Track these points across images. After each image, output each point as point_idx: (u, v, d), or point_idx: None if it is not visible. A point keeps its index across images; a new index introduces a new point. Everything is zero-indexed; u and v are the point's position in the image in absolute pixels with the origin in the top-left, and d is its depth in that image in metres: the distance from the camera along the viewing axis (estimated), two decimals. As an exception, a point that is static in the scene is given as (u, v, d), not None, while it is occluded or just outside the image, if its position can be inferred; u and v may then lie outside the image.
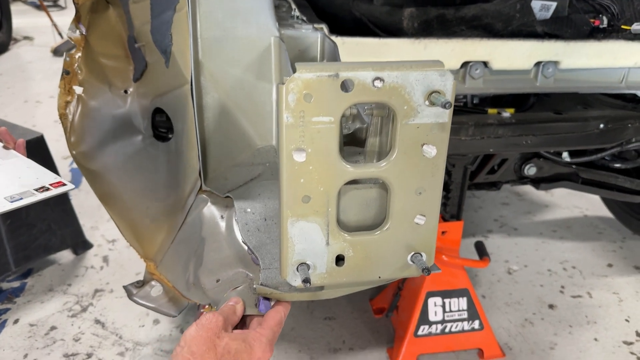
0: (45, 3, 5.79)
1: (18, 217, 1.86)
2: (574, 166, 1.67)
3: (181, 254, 0.98)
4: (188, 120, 1.00)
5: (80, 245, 2.13)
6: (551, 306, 1.92)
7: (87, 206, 2.45)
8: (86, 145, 1.11)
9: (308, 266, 0.71)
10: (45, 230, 1.95)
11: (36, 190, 0.96)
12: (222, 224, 0.94)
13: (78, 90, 1.11)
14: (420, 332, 1.63)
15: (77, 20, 1.10)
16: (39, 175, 1.01)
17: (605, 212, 2.43)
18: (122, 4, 1.11)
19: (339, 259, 0.72)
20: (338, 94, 0.62)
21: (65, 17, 6.19)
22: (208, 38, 0.97)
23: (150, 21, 1.04)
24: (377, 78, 0.62)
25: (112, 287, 1.96)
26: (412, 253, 0.74)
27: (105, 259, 2.11)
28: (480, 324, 1.67)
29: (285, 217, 0.68)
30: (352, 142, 0.83)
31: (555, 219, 2.50)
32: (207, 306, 0.88)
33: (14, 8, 6.57)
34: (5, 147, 1.05)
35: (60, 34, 5.40)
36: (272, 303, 0.78)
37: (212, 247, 0.91)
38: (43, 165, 1.03)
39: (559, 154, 1.62)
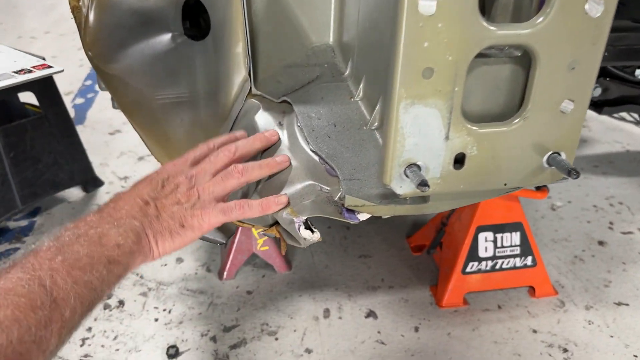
0: None
1: (22, 150, 1.69)
2: (644, 86, 1.50)
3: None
4: (232, 6, 0.81)
5: (91, 182, 1.96)
6: (601, 243, 1.79)
7: (94, 142, 2.28)
8: (104, 44, 0.92)
9: (419, 167, 0.54)
10: (51, 165, 1.78)
11: (16, 72, 0.80)
12: (282, 132, 0.77)
13: (92, -23, 0.91)
14: (468, 269, 1.50)
15: None
16: (17, 58, 0.84)
17: (648, 146, 2.27)
18: None
19: (457, 160, 0.56)
20: None
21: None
22: None
23: None
24: None
25: (128, 226, 1.81)
26: (550, 152, 0.57)
27: (118, 197, 1.95)
28: (534, 260, 1.54)
29: (397, 98, 0.51)
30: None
31: (596, 154, 2.34)
32: (268, 228, 0.73)
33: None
34: None
35: (50, -33, 5.03)
36: (361, 217, 0.63)
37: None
38: None
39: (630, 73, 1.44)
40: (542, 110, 0.54)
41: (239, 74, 0.82)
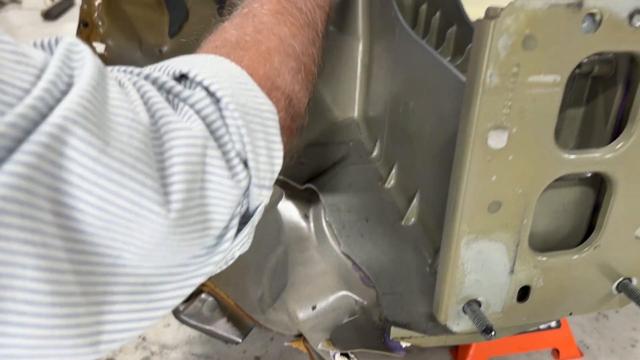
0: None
1: None
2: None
3: (248, 263, 0.75)
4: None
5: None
6: (624, 296, 1.72)
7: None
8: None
9: (479, 304, 0.48)
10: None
11: None
12: (309, 227, 0.70)
13: (99, 48, 0.85)
14: (490, 332, 1.43)
15: (94, -45, 0.84)
16: None
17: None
18: None
19: (521, 293, 0.49)
20: (575, 36, 0.38)
21: (55, -21, 5.79)
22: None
23: (196, -48, 0.78)
24: (638, 11, 0.38)
25: (130, 279, 1.73)
26: (620, 279, 0.51)
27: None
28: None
29: (458, 234, 0.44)
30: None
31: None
32: (294, 341, 0.66)
33: (-1, -31, 6.16)
34: None
35: (50, -3, 5.02)
36: (405, 345, 0.55)
37: (299, 259, 0.68)
38: None
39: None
40: (616, 237, 0.48)
41: (259, 157, 0.76)
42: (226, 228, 0.36)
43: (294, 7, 0.52)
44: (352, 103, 0.85)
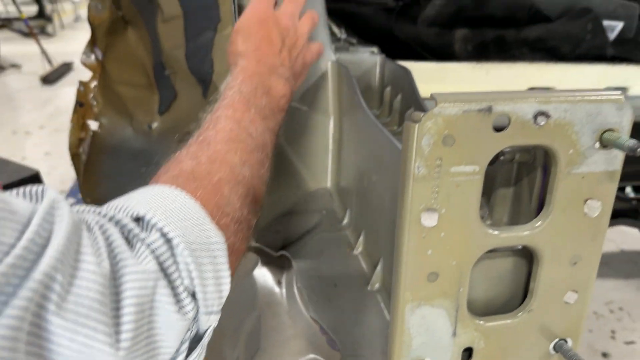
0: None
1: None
2: (634, 202, 1.53)
3: (225, 327, 0.79)
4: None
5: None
6: (605, 355, 1.74)
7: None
8: (103, 191, 0.92)
9: (427, 364, 0.53)
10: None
11: None
12: (281, 292, 0.75)
13: (93, 125, 0.93)
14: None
15: (92, 43, 0.93)
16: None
17: (642, 245, 2.28)
18: (146, 25, 0.95)
19: (467, 353, 0.54)
20: (488, 134, 0.45)
21: (54, 45, 6.04)
22: (260, 63, 0.80)
23: (184, 44, 0.87)
24: (541, 113, 0.46)
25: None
26: (556, 340, 0.56)
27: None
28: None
29: (402, 301, 0.50)
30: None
31: (590, 253, 2.34)
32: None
33: (0, 35, 6.44)
34: None
35: (49, 62, 5.23)
36: (366, 406, 0.60)
37: (271, 324, 0.73)
38: None
39: (622, 189, 1.48)
40: (547, 302, 0.54)
41: (237, 226, 0.82)
42: (177, 352, 0.41)
43: (245, 132, 0.57)
44: (325, 174, 0.92)
